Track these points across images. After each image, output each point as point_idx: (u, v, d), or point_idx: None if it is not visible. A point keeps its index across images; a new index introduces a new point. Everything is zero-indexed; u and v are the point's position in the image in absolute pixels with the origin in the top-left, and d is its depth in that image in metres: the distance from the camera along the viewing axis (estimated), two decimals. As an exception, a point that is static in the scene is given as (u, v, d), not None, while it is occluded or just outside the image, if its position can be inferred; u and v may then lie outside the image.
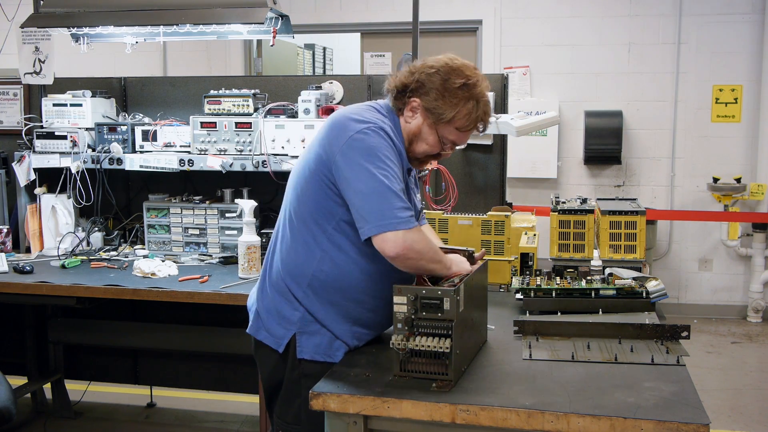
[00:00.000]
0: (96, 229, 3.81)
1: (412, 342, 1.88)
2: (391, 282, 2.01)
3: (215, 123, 3.58)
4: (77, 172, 3.70)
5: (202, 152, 3.60)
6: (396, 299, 1.89)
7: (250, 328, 2.23)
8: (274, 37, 3.50)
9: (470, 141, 3.74)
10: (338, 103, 3.67)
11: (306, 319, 2.11)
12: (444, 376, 1.88)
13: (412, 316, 1.88)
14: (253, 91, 3.64)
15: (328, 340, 2.10)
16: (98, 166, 3.68)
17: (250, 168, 3.52)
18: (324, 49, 8.11)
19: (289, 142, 3.46)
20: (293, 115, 3.55)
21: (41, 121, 3.83)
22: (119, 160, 3.67)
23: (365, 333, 2.18)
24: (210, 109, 3.62)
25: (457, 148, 2.23)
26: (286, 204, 2.18)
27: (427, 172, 3.27)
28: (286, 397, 2.15)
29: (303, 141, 3.43)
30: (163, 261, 3.45)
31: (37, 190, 3.81)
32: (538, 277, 2.61)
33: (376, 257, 2.02)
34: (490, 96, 3.68)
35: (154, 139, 3.69)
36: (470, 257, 2.26)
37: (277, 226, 2.22)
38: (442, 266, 2.09)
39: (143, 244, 3.78)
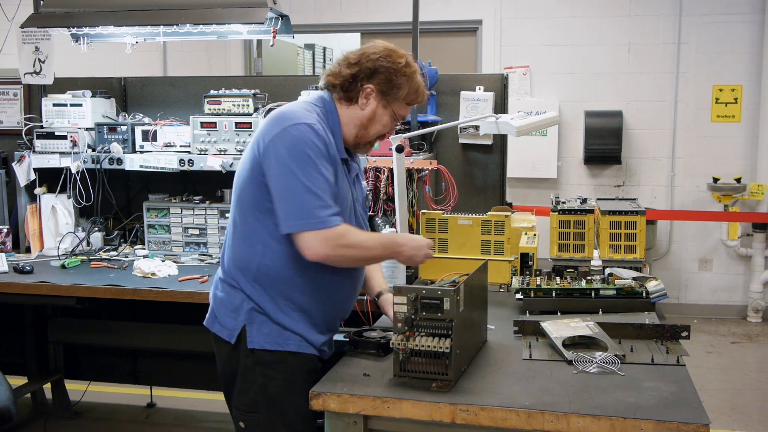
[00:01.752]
0: (96, 229, 3.81)
1: (412, 342, 1.87)
2: (334, 273, 2.14)
3: (215, 123, 3.58)
4: (77, 172, 3.70)
5: (202, 152, 3.60)
6: (396, 299, 1.89)
7: (206, 321, 2.30)
8: (274, 37, 3.50)
9: (470, 141, 3.77)
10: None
11: (254, 311, 2.16)
12: (444, 376, 1.87)
13: (412, 316, 1.88)
14: (253, 91, 3.64)
15: (277, 330, 2.15)
16: (98, 166, 3.68)
17: (250, 168, 3.51)
18: (324, 49, 8.10)
19: (289, 142, 3.46)
20: (293, 115, 3.55)
21: (41, 121, 3.83)
22: (119, 160, 3.67)
23: (316, 326, 2.19)
24: (210, 109, 3.62)
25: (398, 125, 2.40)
26: (232, 201, 2.26)
27: (427, 172, 3.27)
28: (242, 386, 2.19)
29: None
30: (163, 261, 3.45)
31: (37, 190, 3.80)
32: (538, 277, 2.61)
33: None
34: (490, 96, 3.70)
35: (154, 139, 3.69)
36: None
37: (228, 222, 2.29)
38: (382, 254, 2.19)
39: (143, 244, 3.78)
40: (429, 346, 1.86)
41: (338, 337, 2.33)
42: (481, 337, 2.22)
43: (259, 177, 2.09)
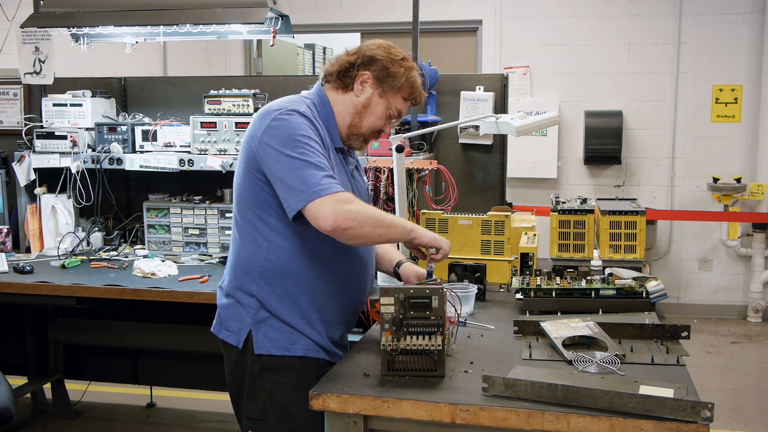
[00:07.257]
0: (96, 229, 3.81)
1: (403, 342, 1.88)
2: (343, 262, 2.12)
3: (215, 123, 3.58)
4: (77, 172, 3.70)
5: (202, 152, 3.60)
6: (383, 300, 1.89)
7: (213, 328, 2.27)
8: (274, 37, 3.50)
9: (470, 141, 3.77)
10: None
11: (261, 314, 2.12)
12: (434, 372, 1.89)
13: (400, 316, 1.89)
14: (253, 91, 3.64)
15: (285, 333, 2.12)
16: (98, 166, 3.68)
17: (250, 168, 3.52)
18: (324, 49, 8.11)
19: (289, 142, 3.46)
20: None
21: (41, 121, 3.83)
22: (119, 160, 3.67)
23: (328, 325, 2.17)
24: (210, 109, 3.63)
25: (394, 123, 2.33)
26: (233, 203, 2.23)
27: (427, 172, 3.27)
28: (250, 392, 2.16)
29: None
30: (163, 261, 3.45)
31: (37, 190, 3.81)
32: (538, 277, 2.61)
33: (321, 238, 2.04)
34: (490, 96, 3.70)
35: (154, 139, 3.69)
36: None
37: (232, 227, 2.26)
38: (397, 231, 2.12)
39: (143, 244, 3.78)
40: (420, 345, 1.87)
41: (353, 338, 2.31)
42: None
43: (254, 173, 2.08)
